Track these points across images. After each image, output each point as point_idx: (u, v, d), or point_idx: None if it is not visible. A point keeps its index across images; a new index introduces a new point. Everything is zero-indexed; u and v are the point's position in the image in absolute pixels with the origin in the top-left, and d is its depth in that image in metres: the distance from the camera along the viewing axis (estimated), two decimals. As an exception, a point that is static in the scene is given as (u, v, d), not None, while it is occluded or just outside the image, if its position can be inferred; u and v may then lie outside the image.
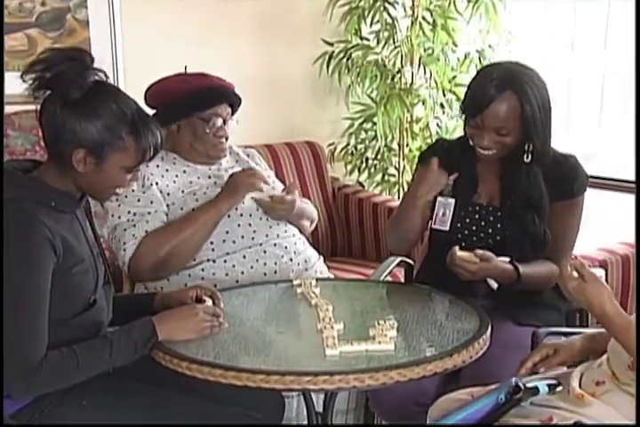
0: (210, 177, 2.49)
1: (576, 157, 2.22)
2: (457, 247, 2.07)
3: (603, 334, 1.78)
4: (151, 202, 2.36)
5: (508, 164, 2.19)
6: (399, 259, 2.60)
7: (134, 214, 2.34)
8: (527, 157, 2.14)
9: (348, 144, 3.95)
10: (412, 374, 1.64)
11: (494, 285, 2.14)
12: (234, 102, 2.52)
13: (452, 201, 2.22)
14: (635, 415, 1.60)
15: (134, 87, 2.53)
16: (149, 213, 2.35)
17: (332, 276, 2.56)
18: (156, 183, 2.40)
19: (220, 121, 2.46)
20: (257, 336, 1.89)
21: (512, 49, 3.73)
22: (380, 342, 1.75)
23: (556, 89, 4.65)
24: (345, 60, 3.81)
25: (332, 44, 3.84)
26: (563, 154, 2.22)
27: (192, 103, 2.43)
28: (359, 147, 3.95)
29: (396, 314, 1.96)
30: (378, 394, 2.14)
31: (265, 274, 2.37)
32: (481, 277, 2.08)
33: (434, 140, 2.58)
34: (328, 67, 3.83)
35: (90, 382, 1.71)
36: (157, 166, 2.44)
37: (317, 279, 2.20)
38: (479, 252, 2.05)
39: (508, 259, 2.10)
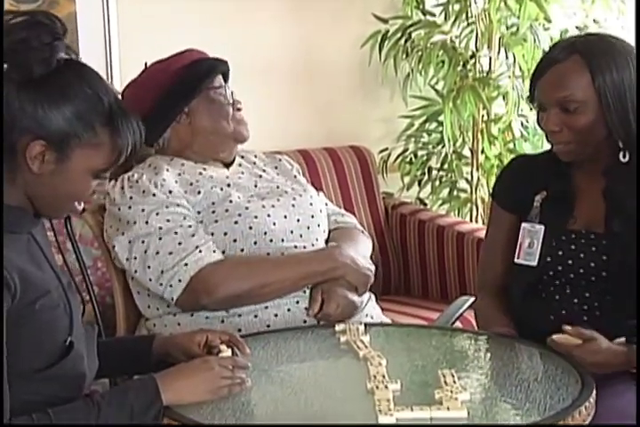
0: (229, 185, 2.51)
1: None
2: (554, 336, 2.03)
3: None
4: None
5: (609, 173, 2.19)
6: (472, 299, 2.60)
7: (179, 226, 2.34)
8: (624, 157, 2.15)
9: (405, 150, 3.97)
10: (492, 450, 1.65)
11: None
12: (226, 72, 2.59)
13: (541, 228, 2.22)
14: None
15: (131, 74, 2.57)
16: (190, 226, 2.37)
17: (385, 320, 2.57)
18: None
19: (229, 91, 2.54)
20: (289, 397, 1.89)
21: (625, 24, 3.71)
22: (448, 408, 1.74)
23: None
24: (403, 41, 3.84)
25: (386, 21, 3.87)
26: None
27: (194, 75, 2.49)
28: (420, 153, 3.97)
29: (468, 371, 1.96)
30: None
31: (305, 322, 2.37)
32: (590, 362, 2.01)
33: (509, 160, 2.54)
34: (380, 50, 3.86)
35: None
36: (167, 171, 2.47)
37: (366, 324, 2.21)
38: (568, 328, 2.01)
39: (623, 339, 2.06)
